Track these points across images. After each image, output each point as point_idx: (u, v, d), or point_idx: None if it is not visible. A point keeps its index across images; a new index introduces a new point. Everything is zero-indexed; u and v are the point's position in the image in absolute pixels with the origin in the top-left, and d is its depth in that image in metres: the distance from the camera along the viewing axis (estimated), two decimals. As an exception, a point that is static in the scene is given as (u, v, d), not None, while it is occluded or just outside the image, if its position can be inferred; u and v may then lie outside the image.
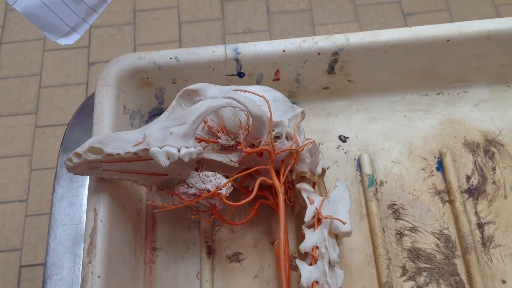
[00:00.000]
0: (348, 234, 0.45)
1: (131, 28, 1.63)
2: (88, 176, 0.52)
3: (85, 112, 0.56)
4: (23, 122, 1.48)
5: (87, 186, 0.52)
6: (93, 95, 0.56)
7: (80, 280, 0.48)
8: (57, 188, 0.52)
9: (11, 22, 1.64)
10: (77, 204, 0.52)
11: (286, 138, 0.46)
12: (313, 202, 0.45)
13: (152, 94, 0.53)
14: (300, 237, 0.46)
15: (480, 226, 0.49)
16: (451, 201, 0.50)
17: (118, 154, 0.42)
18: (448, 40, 0.51)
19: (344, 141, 0.54)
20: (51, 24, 0.46)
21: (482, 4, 1.42)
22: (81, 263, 0.49)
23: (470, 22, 0.51)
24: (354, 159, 0.53)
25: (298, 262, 0.44)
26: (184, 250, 0.49)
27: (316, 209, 0.45)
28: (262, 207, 0.50)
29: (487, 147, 0.53)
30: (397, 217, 0.50)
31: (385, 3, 1.46)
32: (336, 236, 0.45)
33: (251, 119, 0.44)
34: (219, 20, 1.61)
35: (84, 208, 0.52)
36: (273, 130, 0.45)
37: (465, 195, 0.51)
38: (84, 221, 0.51)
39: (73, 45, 1.60)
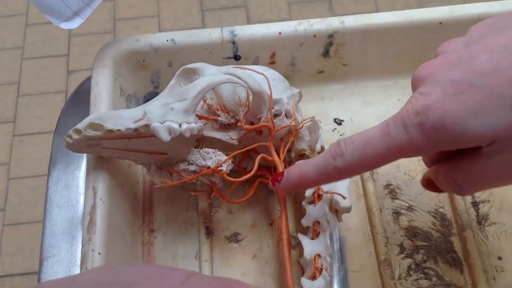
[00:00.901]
0: (348, 209, 0.45)
1: (111, 36, 1.62)
2: (84, 159, 0.52)
3: (79, 98, 0.56)
4: (1, 131, 1.46)
5: (83, 169, 0.52)
6: (87, 80, 0.56)
7: (78, 261, 0.47)
8: (52, 171, 0.51)
9: (-12, 30, 1.63)
10: (73, 186, 0.51)
11: (286, 115, 0.46)
12: (313, 179, 0.46)
13: (148, 78, 0.53)
14: (299, 217, 0.46)
15: (475, 204, 0.50)
16: (446, 181, 0.51)
17: (119, 130, 0.42)
18: (440, 23, 0.52)
19: (340, 123, 0.54)
20: (54, 8, 0.46)
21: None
22: (78, 244, 0.48)
23: (462, 5, 0.52)
24: (350, 141, 0.53)
25: (300, 236, 0.44)
26: (182, 231, 0.49)
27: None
28: (260, 189, 0.50)
29: (479, 128, 0.54)
30: (394, 197, 0.50)
31: None
32: (336, 211, 0.46)
33: (251, 96, 0.45)
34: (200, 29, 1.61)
35: (81, 190, 0.51)
36: (273, 108, 0.46)
37: (460, 175, 0.51)
38: (81, 203, 0.50)
39: (52, 54, 1.59)
